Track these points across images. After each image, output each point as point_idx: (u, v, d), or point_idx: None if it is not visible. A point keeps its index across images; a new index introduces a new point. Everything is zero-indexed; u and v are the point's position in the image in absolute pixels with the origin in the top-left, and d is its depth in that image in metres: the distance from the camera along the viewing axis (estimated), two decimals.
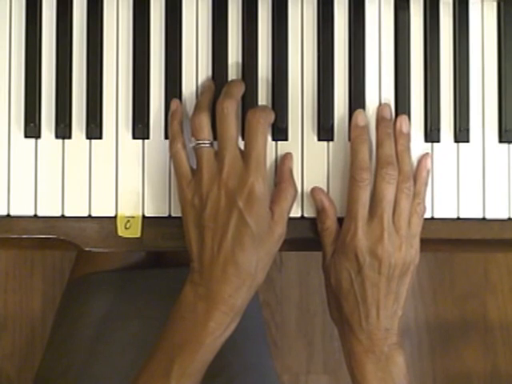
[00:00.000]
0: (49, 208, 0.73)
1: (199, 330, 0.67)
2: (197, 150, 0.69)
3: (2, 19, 0.73)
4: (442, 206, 0.75)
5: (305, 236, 0.74)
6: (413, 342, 1.59)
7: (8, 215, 0.73)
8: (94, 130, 0.73)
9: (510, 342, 1.62)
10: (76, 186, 0.73)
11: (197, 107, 0.71)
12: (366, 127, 0.73)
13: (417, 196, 0.72)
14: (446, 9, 0.76)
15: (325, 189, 0.74)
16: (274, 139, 0.74)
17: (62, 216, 0.73)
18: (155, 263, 1.07)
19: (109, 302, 0.95)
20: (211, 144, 0.69)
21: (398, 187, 0.70)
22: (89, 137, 0.73)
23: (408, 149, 0.73)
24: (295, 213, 0.73)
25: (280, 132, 0.74)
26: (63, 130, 0.73)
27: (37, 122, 0.73)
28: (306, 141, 0.74)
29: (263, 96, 0.74)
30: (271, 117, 0.71)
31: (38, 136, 0.73)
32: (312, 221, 0.74)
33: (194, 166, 0.70)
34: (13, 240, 0.74)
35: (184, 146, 0.70)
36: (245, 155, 0.68)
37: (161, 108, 0.74)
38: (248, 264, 0.67)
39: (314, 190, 0.73)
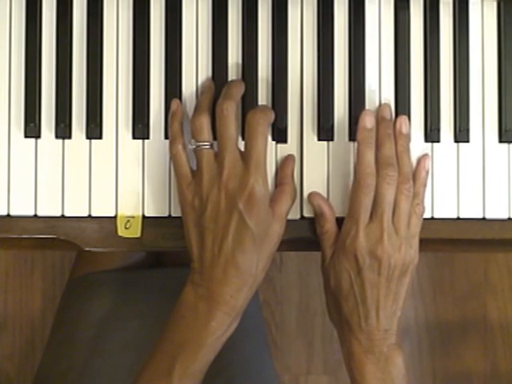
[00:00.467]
0: (49, 208, 0.73)
1: (201, 329, 0.67)
2: (197, 151, 0.69)
3: (2, 19, 0.73)
4: (441, 206, 0.75)
5: (304, 236, 0.74)
6: (413, 342, 1.59)
7: (8, 215, 0.73)
8: (94, 130, 0.73)
9: (510, 342, 1.62)
10: (76, 186, 0.73)
11: (196, 108, 0.71)
12: (373, 129, 0.72)
13: (416, 197, 0.72)
14: (445, 9, 0.76)
15: (325, 188, 0.74)
16: (273, 139, 0.74)
17: (62, 216, 0.73)
18: (155, 263, 1.07)
19: (109, 302, 0.94)
20: (211, 145, 0.69)
21: (398, 188, 0.70)
22: (89, 137, 0.73)
23: (407, 150, 0.73)
24: (295, 213, 0.73)
25: (280, 132, 0.74)
26: (63, 130, 0.73)
27: (37, 121, 0.73)
28: (305, 141, 0.74)
29: (263, 96, 0.74)
30: (271, 117, 0.70)
31: (38, 136, 0.73)
32: (312, 221, 0.74)
33: (194, 167, 0.70)
34: (13, 240, 0.74)
35: (184, 147, 0.70)
36: (245, 156, 0.68)
37: (161, 108, 0.74)
38: (249, 265, 0.67)
39: (311, 195, 0.73)
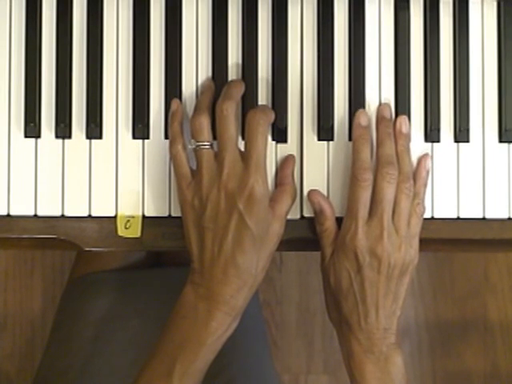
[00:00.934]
0: (49, 208, 0.73)
1: (201, 329, 0.67)
2: (197, 151, 0.69)
3: (2, 19, 0.73)
4: (441, 205, 0.75)
5: (304, 236, 0.74)
6: (413, 342, 1.59)
7: (8, 215, 0.73)
8: (94, 129, 0.73)
9: (510, 342, 1.62)
10: (76, 186, 0.73)
11: (196, 108, 0.71)
12: (369, 127, 0.73)
13: (416, 196, 0.72)
14: (446, 9, 0.76)
15: (325, 188, 0.74)
16: (273, 139, 0.74)
17: (62, 216, 0.73)
18: (155, 263, 1.07)
19: (109, 302, 0.94)
20: (211, 145, 0.69)
21: (398, 187, 0.70)
22: (89, 137, 0.73)
23: (408, 149, 0.73)
24: (295, 213, 0.73)
25: (280, 132, 0.74)
26: (63, 130, 0.73)
27: (37, 121, 0.73)
28: (305, 141, 0.74)
29: (263, 96, 0.74)
30: (271, 117, 0.71)
31: (38, 136, 0.73)
32: (311, 221, 0.74)
33: (194, 167, 0.70)
34: (13, 240, 0.74)
35: (184, 147, 0.70)
36: (245, 156, 0.68)
37: (161, 108, 0.74)
38: (249, 265, 0.67)
39: (311, 193, 0.73)
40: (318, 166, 0.74)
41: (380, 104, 0.75)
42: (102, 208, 0.73)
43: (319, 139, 0.74)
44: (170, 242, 0.74)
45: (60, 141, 0.73)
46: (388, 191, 0.70)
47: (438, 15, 0.75)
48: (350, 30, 0.75)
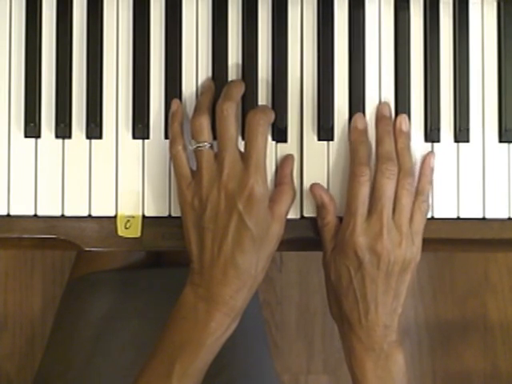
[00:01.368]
0: (49, 208, 0.73)
1: (200, 330, 0.67)
2: (197, 151, 0.69)
3: (2, 19, 0.73)
4: (441, 205, 0.75)
5: (305, 236, 0.74)
6: (413, 342, 1.59)
7: (8, 215, 0.73)
8: (94, 129, 0.73)
9: (510, 342, 1.62)
10: (76, 186, 0.73)
11: (196, 109, 0.71)
12: (365, 130, 0.73)
13: (421, 194, 0.72)
14: (446, 9, 0.76)
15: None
16: (273, 139, 0.74)
17: (62, 216, 0.73)
18: (155, 263, 1.07)
19: (109, 302, 0.95)
20: (211, 146, 0.69)
21: (399, 183, 0.70)
22: (89, 137, 0.73)
23: (408, 147, 0.73)
24: (295, 213, 0.73)
25: (280, 132, 0.74)
26: (63, 130, 0.73)
27: (37, 121, 0.73)
28: (305, 141, 0.74)
29: (263, 96, 0.74)
30: (271, 117, 0.71)
31: (38, 136, 0.73)
32: (312, 221, 0.74)
33: (194, 168, 0.70)
34: (13, 240, 0.74)
35: (184, 148, 0.70)
36: (245, 157, 0.68)
37: (161, 108, 0.74)
38: (248, 266, 0.67)
39: (313, 187, 0.73)
40: (318, 165, 0.74)
41: (380, 103, 0.75)
42: (102, 208, 0.73)
43: (319, 139, 0.74)
44: (170, 242, 0.74)
45: (60, 141, 0.73)
46: (388, 187, 0.70)
47: (437, 15, 0.75)
48: (349, 30, 0.75)
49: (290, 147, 0.74)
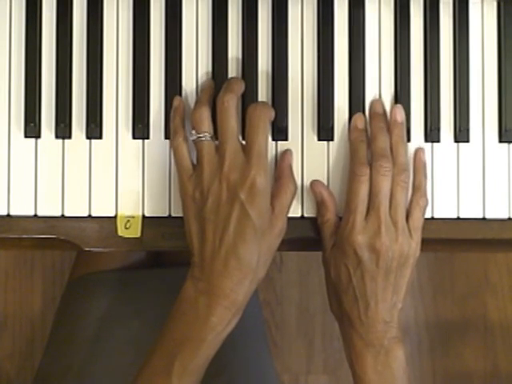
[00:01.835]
0: (49, 208, 0.73)
1: (201, 325, 0.67)
2: (197, 143, 0.69)
3: (2, 19, 0.73)
4: (441, 206, 0.75)
5: (305, 236, 0.74)
6: (413, 342, 1.59)
7: (8, 215, 0.73)
8: (94, 129, 0.73)
9: (510, 342, 1.62)
10: (76, 186, 0.73)
11: (197, 102, 0.71)
12: (365, 129, 0.74)
13: (418, 189, 0.72)
14: (446, 9, 0.76)
15: None
16: (274, 139, 0.74)
17: (62, 216, 0.73)
18: (155, 263, 1.07)
19: (109, 302, 0.94)
20: (212, 137, 0.69)
21: (394, 180, 0.70)
22: (89, 137, 0.73)
23: (403, 139, 0.73)
24: (295, 213, 0.73)
25: (280, 132, 0.74)
26: (63, 130, 0.73)
27: (37, 121, 0.73)
28: (305, 141, 0.74)
29: (263, 96, 0.74)
30: (272, 113, 0.71)
31: (38, 136, 0.73)
32: (312, 221, 0.74)
33: (195, 161, 0.70)
34: (13, 240, 0.74)
35: (185, 140, 0.70)
36: (246, 148, 0.68)
37: (161, 108, 0.74)
38: (250, 257, 0.67)
39: (313, 183, 0.73)
40: (318, 165, 0.74)
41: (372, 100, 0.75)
42: (102, 208, 0.73)
43: (319, 139, 0.74)
44: (170, 242, 0.74)
45: (60, 141, 0.73)
46: (383, 184, 0.70)
47: (438, 15, 0.75)
48: (349, 30, 0.75)
49: (290, 147, 0.74)
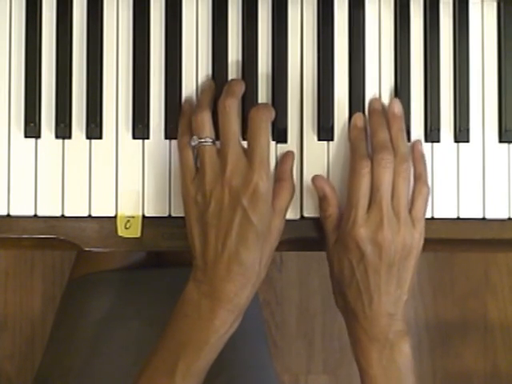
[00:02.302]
0: (49, 208, 0.73)
1: (204, 328, 0.67)
2: (199, 148, 0.69)
3: (2, 19, 0.73)
4: (442, 205, 0.75)
5: (305, 236, 0.74)
6: (413, 342, 1.58)
7: (8, 215, 0.73)
8: (94, 129, 0.73)
9: (510, 341, 1.62)
10: (76, 186, 0.73)
11: (198, 106, 0.71)
12: (365, 128, 0.74)
13: (418, 179, 0.72)
14: (446, 9, 0.76)
15: None
16: (274, 139, 0.74)
17: (62, 216, 0.73)
18: (155, 263, 1.07)
19: (109, 302, 0.94)
20: (213, 142, 0.69)
21: (395, 171, 0.70)
22: (89, 137, 0.73)
23: (402, 132, 0.73)
24: (295, 213, 0.73)
25: (280, 132, 0.74)
26: (63, 130, 0.73)
27: (37, 121, 0.73)
28: (305, 141, 0.74)
29: (263, 96, 0.74)
30: (273, 114, 0.71)
31: (38, 136, 0.73)
32: (312, 221, 0.74)
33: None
34: (13, 240, 0.74)
35: (191, 142, 0.70)
36: (248, 152, 0.68)
37: (161, 108, 0.74)
38: (252, 262, 0.67)
39: (315, 178, 0.73)
40: (318, 165, 0.74)
41: (382, 105, 0.75)
42: (102, 208, 0.73)
43: (319, 139, 0.74)
44: (170, 242, 0.74)
45: (60, 141, 0.73)
46: (385, 177, 0.69)
47: (438, 15, 0.75)
48: (349, 30, 0.75)
49: (290, 147, 0.74)
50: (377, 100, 0.75)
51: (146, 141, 0.74)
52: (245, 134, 0.70)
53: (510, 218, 0.76)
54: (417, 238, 0.70)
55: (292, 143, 0.74)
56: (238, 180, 0.67)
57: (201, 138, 0.69)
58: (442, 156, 0.75)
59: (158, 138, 0.74)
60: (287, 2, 0.74)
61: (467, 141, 0.75)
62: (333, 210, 0.72)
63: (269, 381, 0.98)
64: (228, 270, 0.66)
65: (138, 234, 0.73)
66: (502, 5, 0.76)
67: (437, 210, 0.75)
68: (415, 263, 0.71)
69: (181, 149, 0.70)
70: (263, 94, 0.74)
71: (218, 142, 0.69)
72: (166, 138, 0.73)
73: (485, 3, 0.76)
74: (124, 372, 0.88)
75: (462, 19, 0.76)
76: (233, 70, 0.74)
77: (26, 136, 0.73)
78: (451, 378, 1.62)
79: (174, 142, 0.73)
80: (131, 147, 0.73)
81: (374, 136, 0.72)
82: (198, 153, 0.69)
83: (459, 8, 0.76)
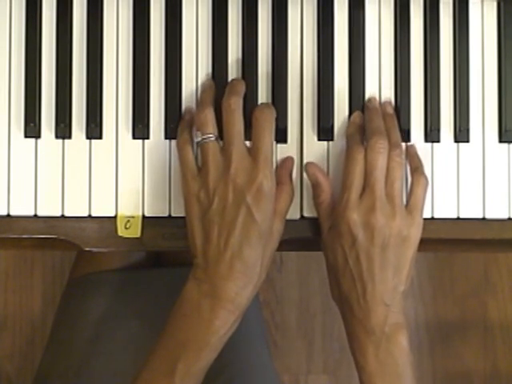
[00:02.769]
0: (49, 208, 0.73)
1: (204, 328, 0.66)
2: (202, 144, 0.69)
3: (2, 19, 0.73)
4: (442, 205, 0.75)
5: (305, 236, 0.74)
6: (413, 342, 1.58)
7: (8, 215, 0.73)
8: (94, 129, 0.73)
9: (510, 342, 1.62)
10: (76, 186, 0.73)
11: (200, 103, 0.71)
12: (362, 126, 0.73)
13: (415, 170, 0.72)
14: (446, 9, 0.76)
15: None
16: (274, 139, 0.74)
17: (62, 216, 0.73)
18: (155, 263, 1.07)
19: (109, 302, 0.94)
20: (216, 138, 0.69)
21: (389, 156, 0.70)
22: (89, 137, 0.73)
23: (395, 125, 0.73)
24: (295, 213, 0.73)
25: (280, 132, 0.74)
26: (63, 130, 0.73)
27: (37, 121, 0.73)
28: (305, 141, 0.74)
29: (263, 96, 0.74)
30: (275, 114, 0.71)
31: (38, 136, 0.73)
32: (312, 221, 0.74)
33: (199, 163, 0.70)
34: (13, 240, 0.74)
35: (191, 140, 0.70)
36: (253, 151, 0.68)
37: (161, 108, 0.74)
38: (254, 261, 0.67)
39: (307, 165, 0.73)
40: (318, 165, 0.74)
41: (380, 104, 0.75)
42: (102, 208, 0.73)
43: (319, 139, 0.74)
44: (170, 242, 0.74)
45: (60, 141, 0.73)
46: (379, 161, 0.69)
47: (438, 15, 0.75)
48: (349, 30, 0.75)
49: (290, 147, 0.74)
50: (373, 98, 0.75)
51: (146, 141, 0.74)
52: (245, 134, 0.70)
53: (510, 218, 0.76)
54: (414, 227, 0.70)
55: (292, 143, 0.74)
56: (242, 178, 0.67)
57: (204, 135, 0.69)
58: (442, 156, 0.75)
59: (158, 138, 0.74)
60: (287, 2, 0.74)
61: (467, 141, 0.75)
62: (326, 196, 0.72)
63: (269, 381, 0.98)
64: (230, 269, 0.66)
65: (138, 234, 0.73)
66: (502, 5, 0.76)
67: (437, 210, 0.75)
68: (413, 254, 0.70)
69: (181, 146, 0.70)
70: (263, 93, 0.74)
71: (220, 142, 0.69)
72: (166, 138, 0.73)
73: (485, 3, 0.76)
74: (124, 371, 0.88)
75: (461, 19, 0.76)
76: (233, 70, 0.74)
77: (25, 136, 0.73)
78: (451, 378, 1.62)
79: (174, 141, 0.73)
80: (131, 147, 0.73)
81: (369, 122, 0.72)
82: (200, 149, 0.69)
83: (459, 8, 0.76)
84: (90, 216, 0.73)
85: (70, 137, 0.73)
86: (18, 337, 1.56)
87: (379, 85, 0.75)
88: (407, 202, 0.71)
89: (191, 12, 0.74)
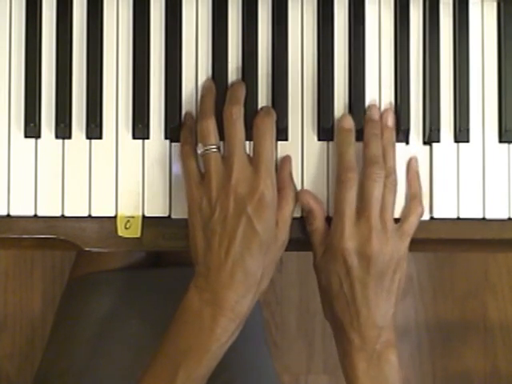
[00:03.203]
0: (49, 208, 0.73)
1: (205, 336, 0.66)
2: (205, 155, 0.69)
3: (2, 19, 0.73)
4: (441, 206, 0.75)
5: (304, 236, 0.74)
6: (413, 342, 1.59)
7: (8, 215, 0.73)
8: (94, 129, 0.73)
9: (510, 341, 1.62)
10: (76, 186, 0.73)
11: (201, 113, 0.71)
12: (352, 130, 0.73)
13: (414, 197, 0.72)
14: (446, 9, 0.76)
15: (325, 188, 0.74)
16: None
17: (62, 216, 0.73)
18: (155, 263, 1.07)
19: (109, 302, 0.94)
20: (218, 148, 0.69)
21: (383, 183, 0.70)
22: (89, 137, 0.73)
23: (392, 143, 0.73)
24: (295, 213, 0.73)
25: (280, 132, 0.74)
26: (63, 130, 0.73)
27: (37, 121, 0.73)
28: (305, 141, 0.74)
29: (263, 96, 0.74)
30: (275, 118, 0.71)
31: (38, 136, 0.73)
32: None
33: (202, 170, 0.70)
34: (13, 240, 0.74)
35: (194, 147, 0.70)
36: (254, 160, 0.68)
37: (161, 108, 0.74)
38: (255, 271, 0.67)
39: (300, 193, 0.73)
40: (318, 166, 0.74)
41: (380, 104, 0.75)
42: (102, 208, 0.73)
43: (319, 139, 0.74)
44: (170, 242, 0.74)
45: (60, 141, 0.73)
46: (375, 190, 0.69)
47: (437, 15, 0.75)
48: (349, 30, 0.75)
49: (290, 147, 0.74)
50: (375, 107, 0.74)
51: (145, 141, 0.74)
52: (246, 134, 0.70)
53: (510, 218, 0.76)
54: (402, 251, 0.71)
55: (292, 143, 0.74)
56: (243, 188, 0.67)
57: (206, 146, 0.69)
58: (442, 156, 0.75)
59: (158, 138, 0.74)
60: (287, 2, 0.74)
61: (467, 141, 0.75)
62: (319, 224, 0.72)
63: (269, 381, 0.98)
64: (231, 278, 0.66)
65: (138, 234, 0.73)
66: (502, 5, 0.76)
67: (437, 210, 0.75)
68: (402, 277, 0.71)
69: (184, 154, 0.71)
70: (263, 94, 0.74)
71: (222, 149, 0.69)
72: (166, 138, 0.73)
73: (485, 3, 0.76)
74: (123, 371, 0.88)
75: (461, 19, 0.76)
76: (233, 70, 0.74)
77: (25, 136, 0.73)
78: (451, 378, 1.62)
79: (174, 142, 0.73)
80: (131, 147, 0.73)
81: (367, 147, 0.72)
82: (203, 160, 0.69)
83: (459, 8, 0.76)
84: (90, 216, 0.73)
85: (70, 137, 0.73)
86: (18, 337, 1.56)
87: (379, 85, 0.75)
88: (400, 225, 0.71)
89: (191, 12, 0.74)
